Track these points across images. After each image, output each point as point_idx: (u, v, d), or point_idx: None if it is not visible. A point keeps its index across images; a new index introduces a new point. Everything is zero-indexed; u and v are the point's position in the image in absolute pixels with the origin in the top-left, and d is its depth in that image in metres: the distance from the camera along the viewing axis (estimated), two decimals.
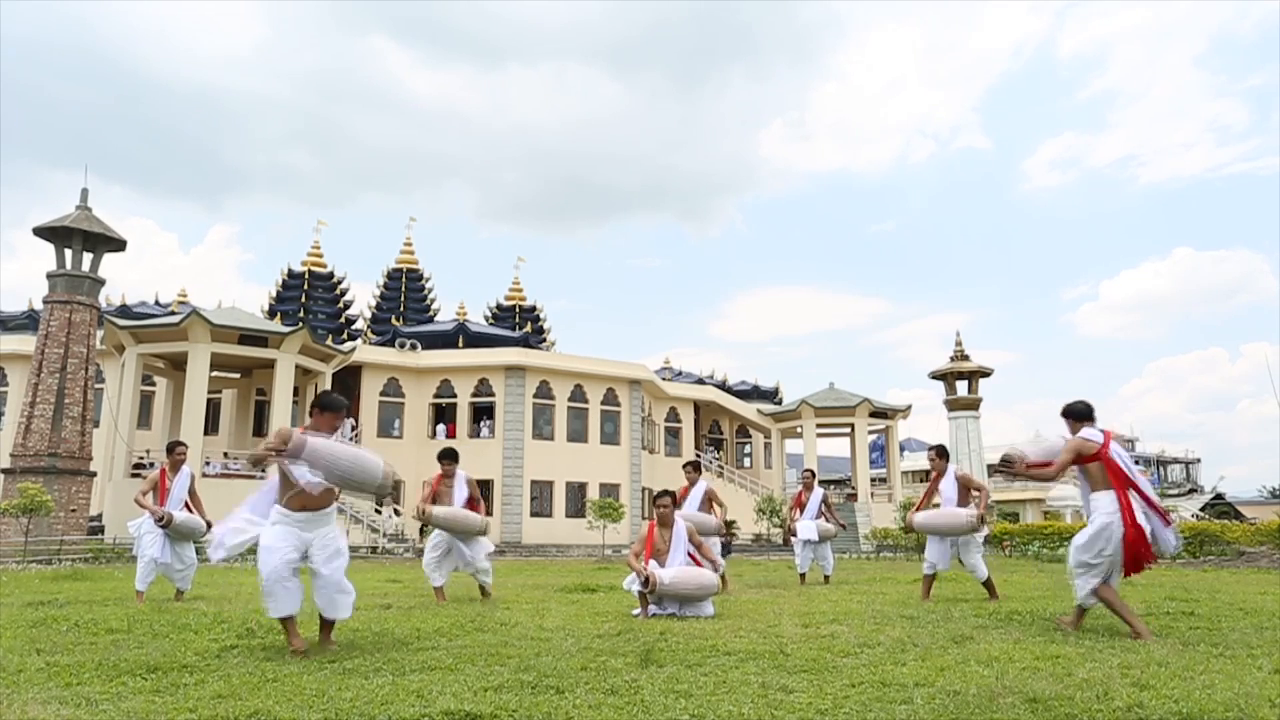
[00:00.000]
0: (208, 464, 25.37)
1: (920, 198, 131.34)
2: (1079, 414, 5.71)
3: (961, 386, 39.56)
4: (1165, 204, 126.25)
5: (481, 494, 8.77)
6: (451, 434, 30.99)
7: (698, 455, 11.46)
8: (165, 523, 8.15)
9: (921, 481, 52.29)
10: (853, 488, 36.39)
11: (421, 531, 22.43)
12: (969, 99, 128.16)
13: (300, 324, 31.77)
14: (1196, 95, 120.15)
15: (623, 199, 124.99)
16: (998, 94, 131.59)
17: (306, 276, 42.15)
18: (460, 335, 35.71)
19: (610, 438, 32.57)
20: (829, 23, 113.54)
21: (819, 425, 36.55)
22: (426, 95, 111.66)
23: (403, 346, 32.96)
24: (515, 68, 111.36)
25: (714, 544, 9.98)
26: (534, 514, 30.25)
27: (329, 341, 30.84)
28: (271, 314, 39.26)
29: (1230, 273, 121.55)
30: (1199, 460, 58.52)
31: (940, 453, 8.86)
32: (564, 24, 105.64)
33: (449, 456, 8.43)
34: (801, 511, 11.49)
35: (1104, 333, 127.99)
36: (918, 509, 8.90)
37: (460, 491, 8.34)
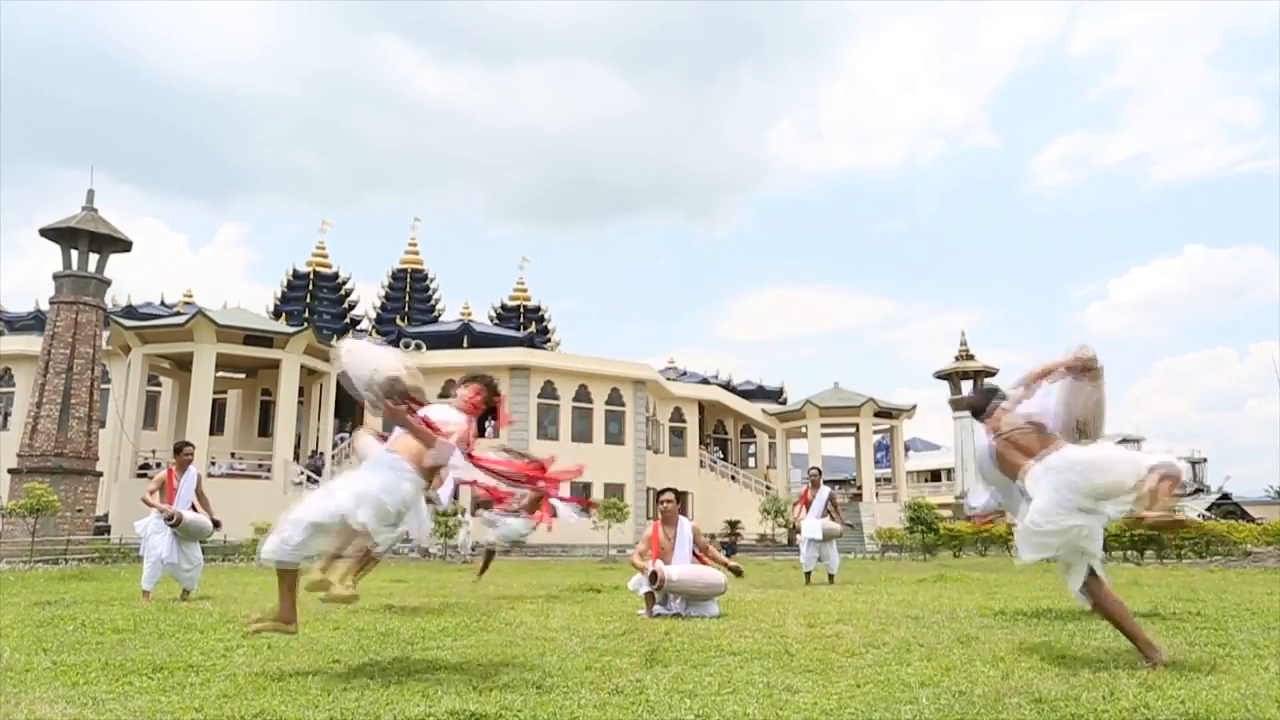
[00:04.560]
0: (213, 464, 25.44)
1: (929, 197, 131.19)
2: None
3: (966, 386, 39.51)
4: (1177, 202, 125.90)
5: None
6: None
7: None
8: (175, 522, 8.17)
9: (927, 482, 52.22)
10: (858, 487, 36.35)
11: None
12: (979, 98, 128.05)
13: (305, 324, 31.85)
14: (1208, 93, 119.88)
15: (631, 198, 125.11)
16: (1008, 92, 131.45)
17: (311, 277, 42.25)
18: (465, 335, 35.77)
19: (615, 438, 32.59)
20: (839, 21, 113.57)
21: (824, 425, 36.52)
22: (434, 95, 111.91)
23: (407, 347, 33.03)
24: (524, 67, 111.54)
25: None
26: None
27: (334, 342, 30.87)
28: (276, 314, 39.34)
29: (1242, 270, 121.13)
30: (1205, 460, 58.29)
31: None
32: (572, 23, 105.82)
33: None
34: (807, 509, 11.45)
35: (1113, 331, 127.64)
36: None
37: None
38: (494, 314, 45.60)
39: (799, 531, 11.41)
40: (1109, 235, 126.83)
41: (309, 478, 26.77)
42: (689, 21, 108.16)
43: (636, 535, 27.95)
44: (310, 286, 42.04)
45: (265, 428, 30.43)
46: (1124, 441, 5.90)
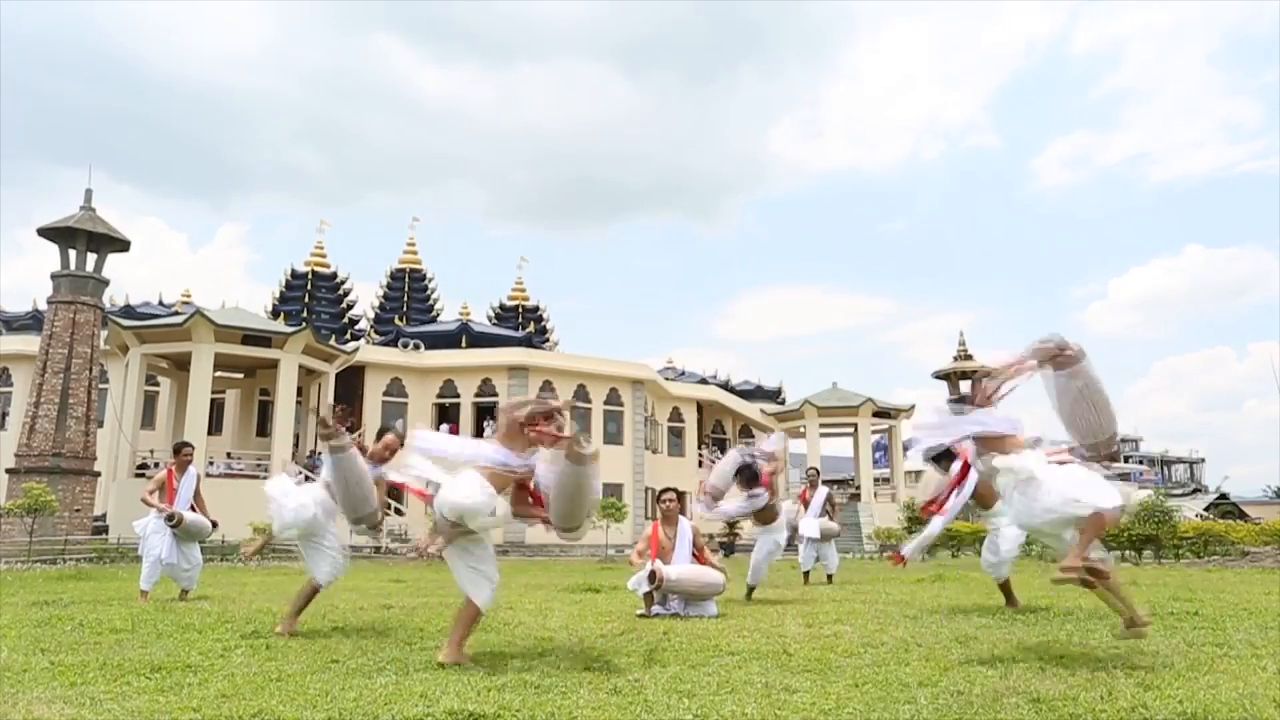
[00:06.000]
0: (211, 464, 25.43)
1: (930, 196, 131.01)
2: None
3: (965, 386, 39.49)
4: (1176, 202, 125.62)
5: None
6: (455, 434, 30.97)
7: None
8: (175, 522, 8.16)
9: None
10: (856, 487, 36.37)
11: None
12: (980, 97, 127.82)
13: (303, 324, 31.82)
14: (1209, 93, 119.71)
15: (631, 198, 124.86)
16: (1009, 92, 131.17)
17: (310, 277, 42.23)
18: (463, 335, 35.75)
19: (613, 438, 32.60)
20: (840, 21, 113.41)
21: (822, 425, 36.54)
22: (434, 95, 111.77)
23: (406, 347, 33.01)
24: (524, 66, 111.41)
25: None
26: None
27: (332, 342, 30.88)
28: (275, 314, 39.32)
29: (1241, 270, 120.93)
30: (1203, 460, 58.45)
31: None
32: (574, 23, 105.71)
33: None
34: (805, 509, 11.48)
35: (1112, 331, 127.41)
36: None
37: None
38: (492, 314, 45.58)
39: (796, 532, 11.42)
40: (1109, 235, 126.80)
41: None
42: (690, 21, 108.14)
43: (635, 535, 27.96)
44: (309, 286, 42.01)
45: (263, 427, 30.40)
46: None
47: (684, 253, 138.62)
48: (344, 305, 42.98)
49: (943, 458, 7.36)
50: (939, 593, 9.15)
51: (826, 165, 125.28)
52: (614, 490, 31.27)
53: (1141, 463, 53.47)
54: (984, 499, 6.96)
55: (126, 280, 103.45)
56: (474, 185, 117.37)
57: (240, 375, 30.66)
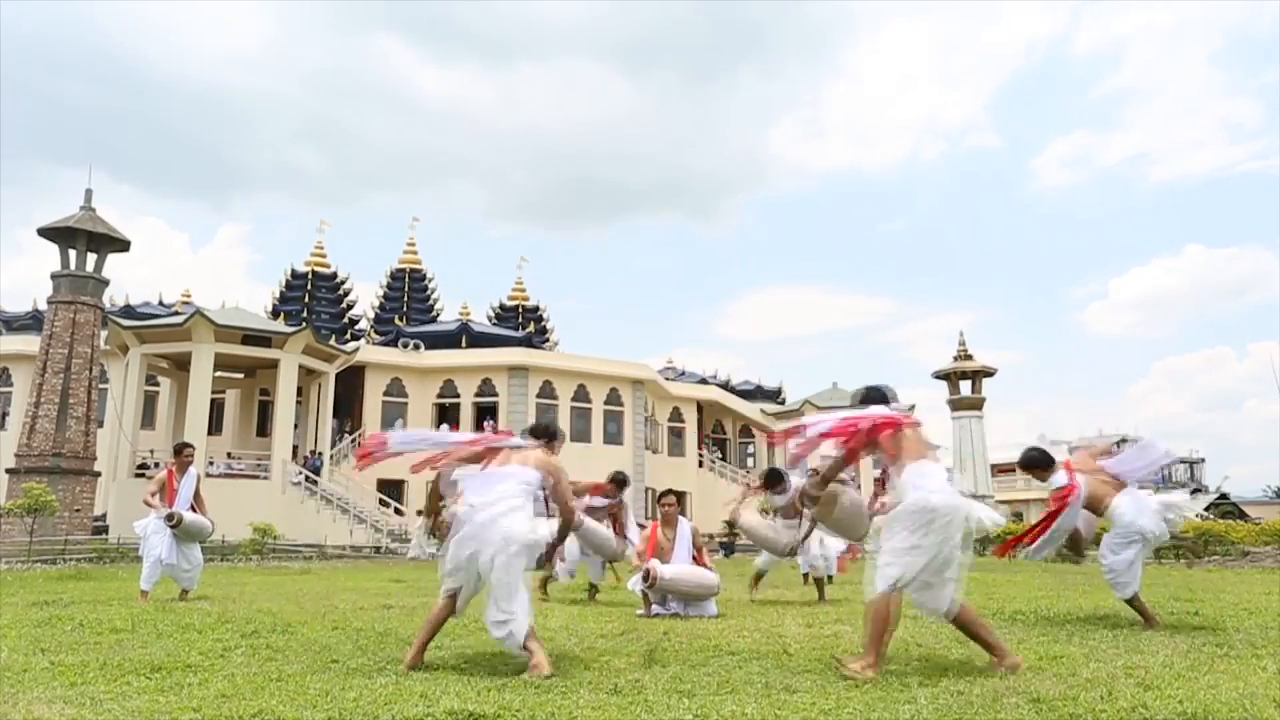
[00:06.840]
0: (211, 464, 25.44)
1: (930, 196, 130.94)
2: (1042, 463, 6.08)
3: (965, 386, 39.52)
4: (1177, 202, 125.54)
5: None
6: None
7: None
8: (175, 523, 8.16)
9: None
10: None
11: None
12: (980, 97, 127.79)
13: (303, 324, 31.84)
14: (1210, 93, 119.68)
15: (632, 198, 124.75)
16: (1010, 92, 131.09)
17: (310, 277, 42.24)
18: (463, 335, 35.76)
19: (613, 438, 32.60)
20: (840, 21, 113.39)
21: None
22: (434, 95, 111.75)
23: (406, 346, 33.02)
24: (524, 66, 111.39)
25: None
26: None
27: (332, 342, 30.89)
28: (275, 314, 39.32)
29: (1241, 270, 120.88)
30: (1203, 460, 58.30)
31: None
32: (574, 23, 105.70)
33: None
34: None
35: (1113, 331, 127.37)
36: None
37: None
38: (492, 314, 45.59)
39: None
40: (1109, 235, 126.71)
41: (307, 478, 26.75)
42: (690, 21, 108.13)
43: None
44: (309, 286, 42.03)
45: (263, 428, 30.41)
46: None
47: (684, 253, 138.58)
48: (344, 305, 42.99)
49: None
50: None
51: (827, 165, 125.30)
52: None
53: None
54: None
55: (126, 280, 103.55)
56: (474, 185, 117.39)
57: (240, 375, 30.67)
